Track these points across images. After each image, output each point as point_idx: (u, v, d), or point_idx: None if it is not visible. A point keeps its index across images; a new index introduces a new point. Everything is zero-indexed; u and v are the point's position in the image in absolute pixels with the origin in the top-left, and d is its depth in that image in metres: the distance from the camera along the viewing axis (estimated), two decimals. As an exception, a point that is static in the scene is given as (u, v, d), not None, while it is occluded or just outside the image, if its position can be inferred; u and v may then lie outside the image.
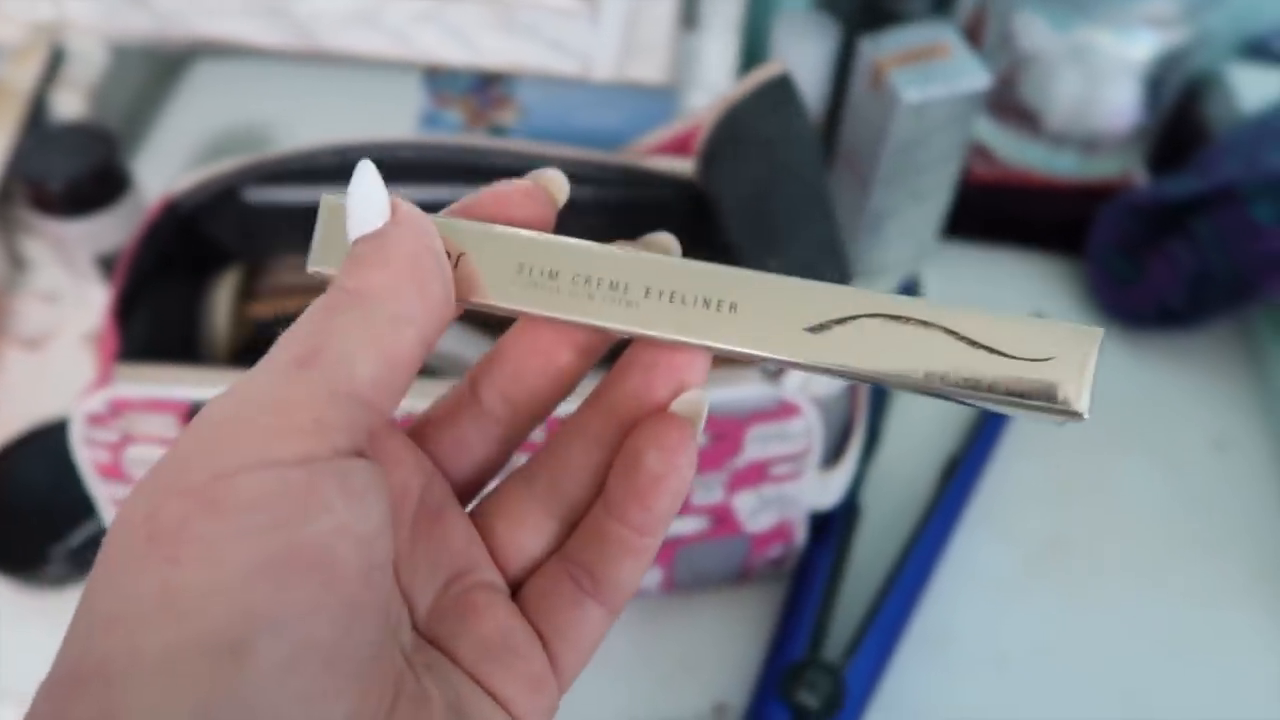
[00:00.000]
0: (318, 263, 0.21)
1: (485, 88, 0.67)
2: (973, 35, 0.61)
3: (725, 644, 0.47)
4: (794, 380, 0.40)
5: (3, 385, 0.55)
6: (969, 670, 0.47)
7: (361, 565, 0.17)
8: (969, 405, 0.19)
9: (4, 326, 0.57)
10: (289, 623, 0.16)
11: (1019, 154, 0.61)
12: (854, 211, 0.59)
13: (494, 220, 0.21)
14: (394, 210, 0.19)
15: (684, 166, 0.46)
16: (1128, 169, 0.62)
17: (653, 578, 0.46)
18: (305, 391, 0.17)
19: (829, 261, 0.41)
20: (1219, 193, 0.56)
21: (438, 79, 0.67)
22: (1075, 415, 0.19)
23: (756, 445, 0.41)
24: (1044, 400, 0.19)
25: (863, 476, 0.51)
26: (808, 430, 0.41)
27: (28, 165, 0.51)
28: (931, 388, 0.19)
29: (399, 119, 0.67)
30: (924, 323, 0.19)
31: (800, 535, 0.46)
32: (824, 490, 0.45)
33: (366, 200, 0.19)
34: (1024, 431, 0.54)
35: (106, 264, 0.55)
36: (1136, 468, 0.54)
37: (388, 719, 0.18)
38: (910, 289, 0.59)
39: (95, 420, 0.40)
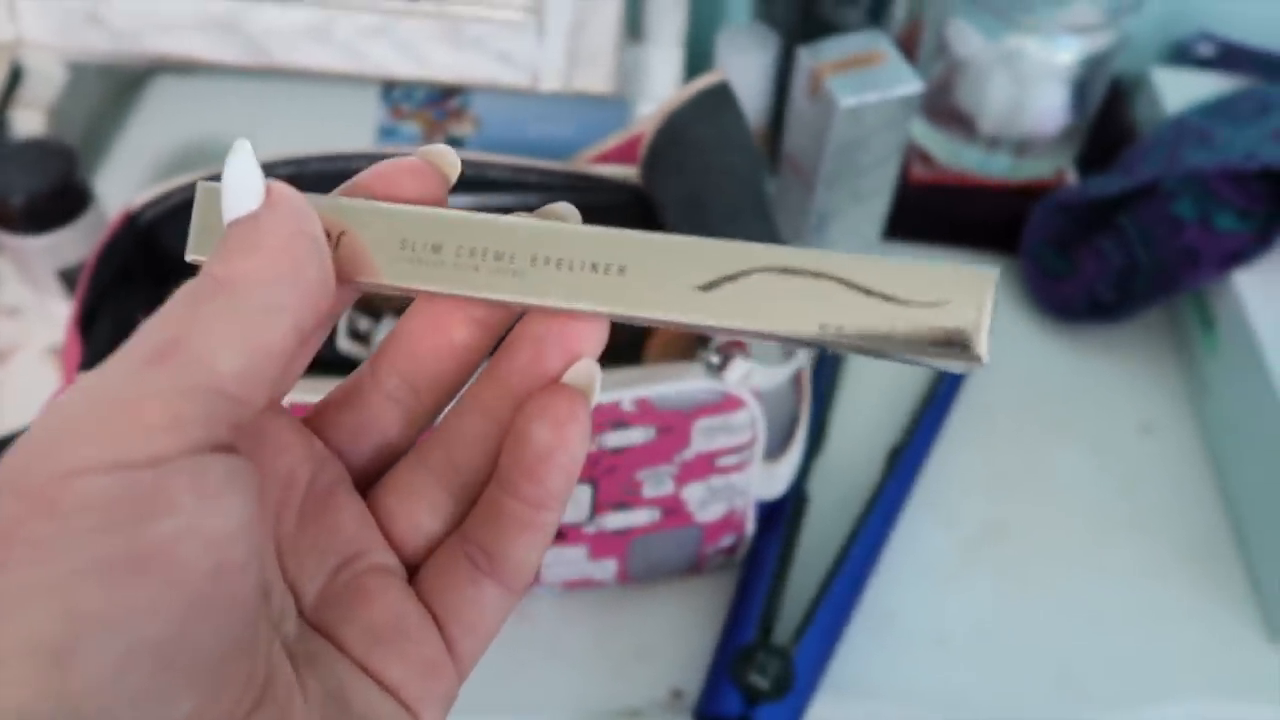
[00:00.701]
0: (196, 251, 0.20)
1: (441, 101, 0.69)
2: (907, 44, 0.64)
3: (680, 632, 0.49)
4: (736, 373, 0.42)
5: (-35, 400, 0.56)
6: (912, 649, 0.49)
7: (209, 565, 0.16)
8: (870, 356, 0.19)
9: (-34, 342, 0.58)
10: (117, 624, 0.15)
11: (955, 156, 0.64)
12: (799, 213, 0.61)
13: (382, 200, 0.20)
14: (268, 193, 0.19)
15: (628, 172, 0.48)
16: (1059, 169, 0.65)
17: (608, 569, 0.48)
18: (159, 387, 0.16)
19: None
20: (1143, 190, 0.59)
21: (394, 93, 0.69)
22: (975, 359, 0.18)
23: (703, 438, 0.43)
24: (942, 345, 0.18)
25: (810, 466, 0.53)
26: (751, 422, 0.43)
27: (-12, 182, 0.51)
28: (828, 340, 0.19)
29: (356, 133, 0.68)
30: (816, 274, 0.19)
31: (750, 524, 0.48)
32: (771, 480, 0.47)
33: (240, 183, 0.18)
34: (964, 421, 0.57)
35: (69, 278, 0.55)
36: (1069, 453, 0.56)
37: (246, 718, 0.17)
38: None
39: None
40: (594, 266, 0.19)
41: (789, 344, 0.20)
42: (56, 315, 0.57)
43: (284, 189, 0.19)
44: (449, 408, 0.22)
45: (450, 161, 0.21)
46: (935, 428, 0.56)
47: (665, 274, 0.19)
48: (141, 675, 0.15)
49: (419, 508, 0.21)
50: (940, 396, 0.56)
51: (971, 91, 0.62)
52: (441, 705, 0.20)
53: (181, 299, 0.18)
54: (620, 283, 0.19)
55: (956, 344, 0.18)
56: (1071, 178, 0.65)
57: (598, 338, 0.20)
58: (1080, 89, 0.61)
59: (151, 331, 0.17)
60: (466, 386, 0.22)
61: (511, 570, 0.20)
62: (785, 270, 0.19)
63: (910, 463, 0.54)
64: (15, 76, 0.64)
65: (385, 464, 0.22)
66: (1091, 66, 0.60)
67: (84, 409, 0.16)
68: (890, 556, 0.51)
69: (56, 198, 0.52)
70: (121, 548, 0.15)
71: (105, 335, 0.45)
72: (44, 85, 0.64)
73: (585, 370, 0.20)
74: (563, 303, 0.19)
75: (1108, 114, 0.66)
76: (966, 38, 0.61)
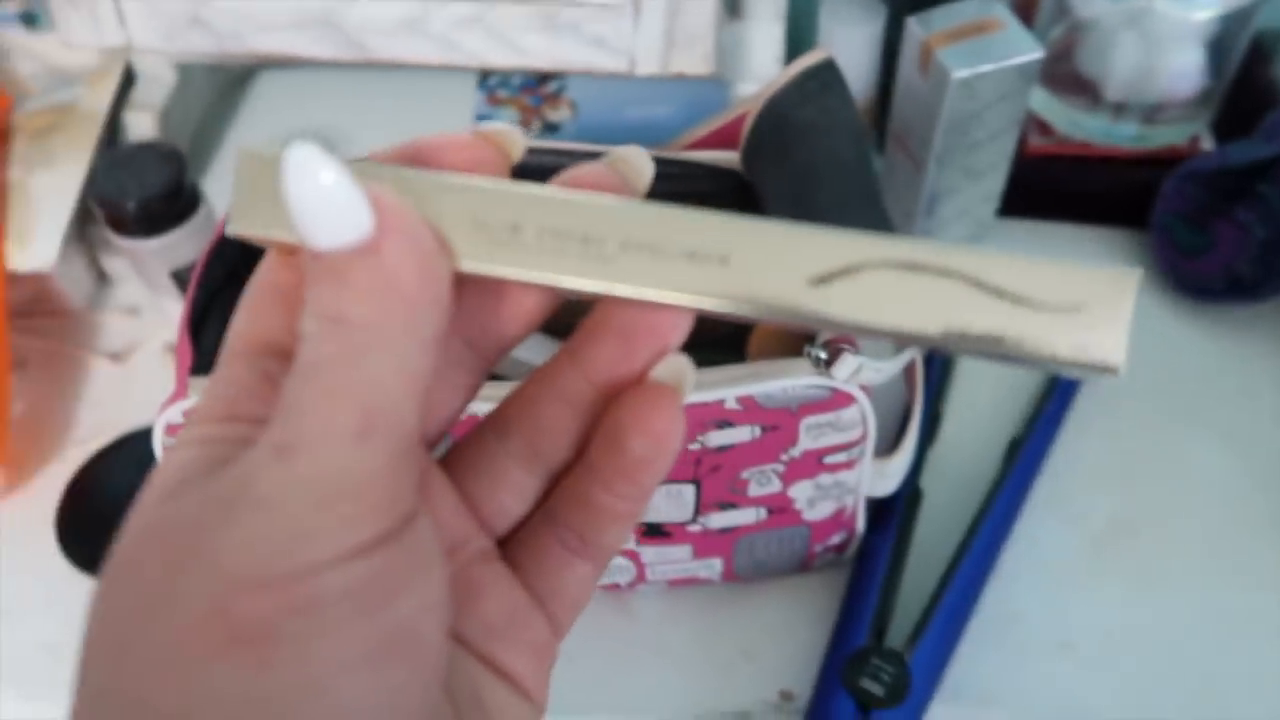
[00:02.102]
0: (242, 225, 0.18)
1: (537, 86, 0.68)
2: (1024, 8, 0.60)
3: (788, 632, 0.48)
4: (845, 369, 0.40)
5: (91, 397, 0.58)
6: (1035, 656, 0.46)
7: (440, 636, 0.17)
8: (994, 361, 0.18)
9: (91, 341, 0.60)
10: (381, 712, 0.16)
11: (1077, 125, 0.60)
12: (909, 194, 0.58)
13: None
14: (381, 214, 0.16)
15: (729, 158, 0.46)
16: (1194, 135, 0.60)
17: (714, 567, 0.47)
18: (373, 465, 0.16)
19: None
20: (1289, 157, 0.54)
21: (490, 79, 0.68)
22: (1110, 371, 0.17)
23: (810, 435, 0.41)
24: (1075, 355, 0.17)
25: (923, 460, 0.50)
26: (861, 418, 0.41)
27: (102, 188, 0.53)
28: (951, 344, 0.17)
29: (455, 120, 0.68)
30: (941, 271, 0.17)
31: (860, 522, 0.46)
32: (882, 477, 0.45)
33: (338, 203, 0.16)
34: (1088, 411, 0.53)
35: (181, 279, 0.57)
36: (1205, 445, 0.53)
37: None
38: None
39: (174, 431, 0.42)
40: (691, 255, 0.18)
41: (906, 343, 0.18)
42: (172, 314, 0.58)
43: (393, 203, 0.16)
44: (518, 385, 0.21)
45: (513, 140, 0.20)
46: (1058, 418, 0.52)
47: (772, 266, 0.17)
48: None
49: (505, 493, 0.21)
50: (1063, 384, 0.53)
51: (1095, 55, 0.58)
52: (548, 680, 0.21)
53: (342, 359, 0.16)
54: (721, 274, 0.17)
55: (1091, 355, 0.17)
56: (1207, 145, 0.60)
57: (684, 328, 0.19)
58: (1217, 48, 0.56)
59: (339, 403, 0.16)
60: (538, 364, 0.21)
61: (602, 551, 0.21)
62: (906, 265, 0.17)
63: (1031, 455, 0.51)
64: (128, 80, 0.65)
65: (445, 429, 0.21)
66: (1231, 24, 0.55)
67: (306, 495, 0.15)
68: (1010, 556, 0.49)
69: (167, 201, 0.53)
70: (375, 634, 0.16)
71: (216, 336, 0.46)
72: (156, 88, 0.65)
73: (677, 366, 0.19)
74: (657, 295, 0.18)
75: (1245, 74, 0.61)
76: (1090, -2, 0.57)
